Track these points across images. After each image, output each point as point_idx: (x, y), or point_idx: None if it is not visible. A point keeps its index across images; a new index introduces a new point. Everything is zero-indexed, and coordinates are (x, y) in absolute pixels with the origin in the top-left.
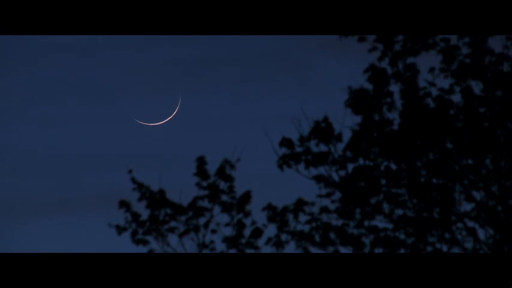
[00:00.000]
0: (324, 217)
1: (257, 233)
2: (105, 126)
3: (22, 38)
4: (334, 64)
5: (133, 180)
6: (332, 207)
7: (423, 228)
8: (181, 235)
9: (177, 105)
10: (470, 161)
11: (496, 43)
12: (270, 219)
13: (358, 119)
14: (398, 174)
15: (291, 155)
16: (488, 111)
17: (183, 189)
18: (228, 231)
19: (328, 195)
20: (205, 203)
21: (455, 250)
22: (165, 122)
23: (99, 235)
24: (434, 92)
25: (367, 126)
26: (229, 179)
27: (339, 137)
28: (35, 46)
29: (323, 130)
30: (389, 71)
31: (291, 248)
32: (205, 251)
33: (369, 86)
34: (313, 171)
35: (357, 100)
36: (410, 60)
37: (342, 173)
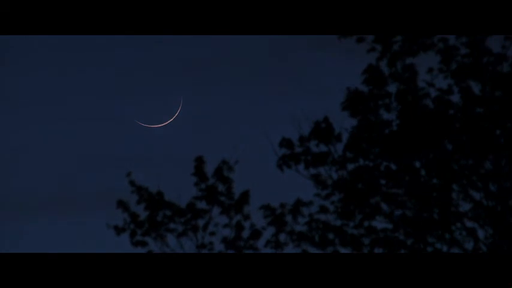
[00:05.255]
0: (323, 217)
1: (256, 234)
2: (105, 126)
3: (22, 38)
4: (333, 64)
5: (132, 183)
6: (331, 207)
7: (423, 229)
8: (179, 236)
9: (178, 107)
10: (470, 161)
11: (494, 43)
12: (268, 218)
13: (355, 121)
14: (398, 175)
15: (291, 155)
16: (488, 111)
17: (182, 190)
18: (227, 232)
19: (327, 196)
20: (203, 204)
21: (455, 250)
22: (166, 124)
23: (98, 235)
24: (433, 92)
25: (365, 127)
26: (227, 181)
27: (338, 138)
28: (35, 46)
29: (323, 130)
30: (388, 71)
31: (290, 248)
32: (203, 251)
33: (366, 88)
34: (313, 172)
35: (353, 102)
36: (409, 60)
37: (342, 173)
